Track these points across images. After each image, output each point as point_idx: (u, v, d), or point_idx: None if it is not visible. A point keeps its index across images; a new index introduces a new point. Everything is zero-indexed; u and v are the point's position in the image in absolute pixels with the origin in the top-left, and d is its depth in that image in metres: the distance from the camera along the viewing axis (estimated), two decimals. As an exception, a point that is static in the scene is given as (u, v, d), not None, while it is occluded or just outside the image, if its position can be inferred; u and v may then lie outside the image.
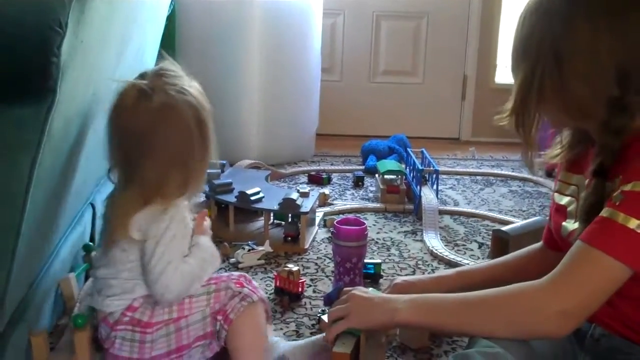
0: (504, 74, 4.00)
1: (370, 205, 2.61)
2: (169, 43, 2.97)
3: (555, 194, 1.36)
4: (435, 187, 2.56)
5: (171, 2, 2.40)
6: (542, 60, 1.19)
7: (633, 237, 1.07)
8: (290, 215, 2.17)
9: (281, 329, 1.62)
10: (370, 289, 1.35)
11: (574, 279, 1.11)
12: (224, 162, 2.59)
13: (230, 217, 2.22)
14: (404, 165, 2.83)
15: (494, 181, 3.09)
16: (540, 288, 1.13)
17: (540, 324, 1.12)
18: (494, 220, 2.50)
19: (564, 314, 1.10)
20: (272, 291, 1.81)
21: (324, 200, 2.57)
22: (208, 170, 1.33)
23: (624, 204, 1.09)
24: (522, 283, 1.16)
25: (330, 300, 1.44)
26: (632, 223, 1.07)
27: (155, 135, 1.20)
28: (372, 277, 1.91)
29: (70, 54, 1.05)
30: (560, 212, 1.32)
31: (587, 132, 1.27)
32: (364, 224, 1.83)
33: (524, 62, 1.23)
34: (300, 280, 1.80)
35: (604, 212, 1.10)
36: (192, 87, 1.25)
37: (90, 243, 1.68)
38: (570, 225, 1.28)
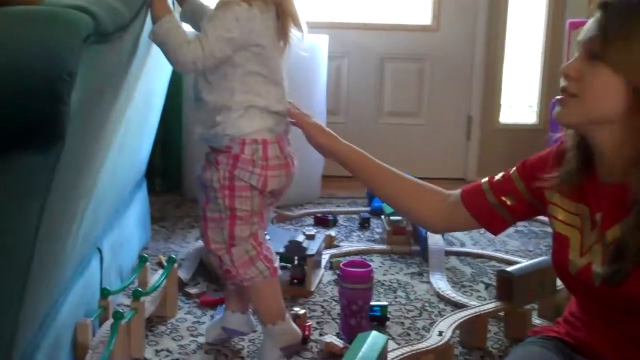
0: (509, 114, 4.03)
1: (377, 247, 2.60)
2: (177, 89, 3.01)
3: (556, 221, 1.31)
4: (441, 228, 2.56)
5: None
6: None
7: None
8: (296, 257, 2.16)
9: (288, 372, 1.62)
10: None
11: None
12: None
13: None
14: (409, 206, 2.83)
15: (500, 221, 3.08)
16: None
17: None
18: (500, 260, 2.49)
19: None
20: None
21: (330, 243, 2.58)
22: None
23: None
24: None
25: None
26: None
27: None
28: (379, 320, 1.90)
29: (79, 102, 1.07)
30: (562, 242, 1.28)
31: (591, 160, 1.24)
32: (369, 266, 1.83)
33: None
34: (307, 324, 1.80)
35: None
36: None
37: (107, 288, 1.68)
38: (578, 260, 1.24)
